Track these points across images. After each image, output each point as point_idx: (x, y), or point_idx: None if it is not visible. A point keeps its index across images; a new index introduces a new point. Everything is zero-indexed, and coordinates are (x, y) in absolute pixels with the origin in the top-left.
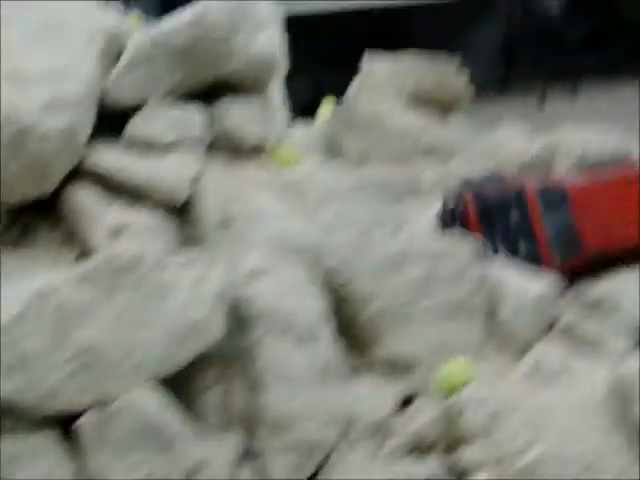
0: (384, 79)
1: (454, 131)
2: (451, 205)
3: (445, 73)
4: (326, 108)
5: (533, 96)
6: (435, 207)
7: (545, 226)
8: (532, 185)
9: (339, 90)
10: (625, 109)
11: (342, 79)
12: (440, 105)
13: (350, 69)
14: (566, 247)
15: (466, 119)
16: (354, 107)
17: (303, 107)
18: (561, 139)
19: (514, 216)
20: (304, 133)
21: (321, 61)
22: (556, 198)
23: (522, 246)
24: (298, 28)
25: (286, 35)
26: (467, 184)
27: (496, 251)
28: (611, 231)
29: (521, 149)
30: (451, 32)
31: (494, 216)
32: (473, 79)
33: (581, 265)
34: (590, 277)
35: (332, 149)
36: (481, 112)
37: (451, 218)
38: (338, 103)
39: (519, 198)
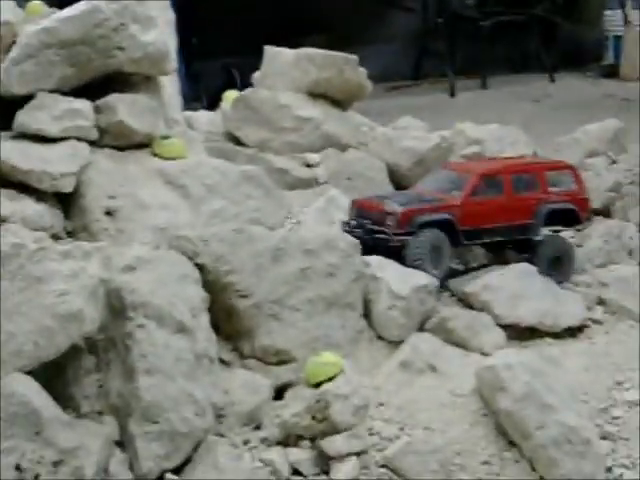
0: (286, 68)
1: (353, 123)
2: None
3: (346, 65)
4: (231, 95)
5: (444, 85)
6: (326, 198)
7: None
8: None
9: (249, 76)
10: (533, 99)
11: (252, 64)
12: (341, 96)
13: (260, 55)
14: None
15: (372, 109)
16: (255, 96)
17: (216, 91)
18: (459, 132)
19: None
20: (208, 120)
21: (232, 47)
22: None
23: None
24: (212, 13)
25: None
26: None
27: None
28: None
29: (416, 143)
30: (366, 21)
31: None
32: (386, 68)
33: None
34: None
35: (233, 138)
36: (392, 101)
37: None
38: (242, 90)
39: None
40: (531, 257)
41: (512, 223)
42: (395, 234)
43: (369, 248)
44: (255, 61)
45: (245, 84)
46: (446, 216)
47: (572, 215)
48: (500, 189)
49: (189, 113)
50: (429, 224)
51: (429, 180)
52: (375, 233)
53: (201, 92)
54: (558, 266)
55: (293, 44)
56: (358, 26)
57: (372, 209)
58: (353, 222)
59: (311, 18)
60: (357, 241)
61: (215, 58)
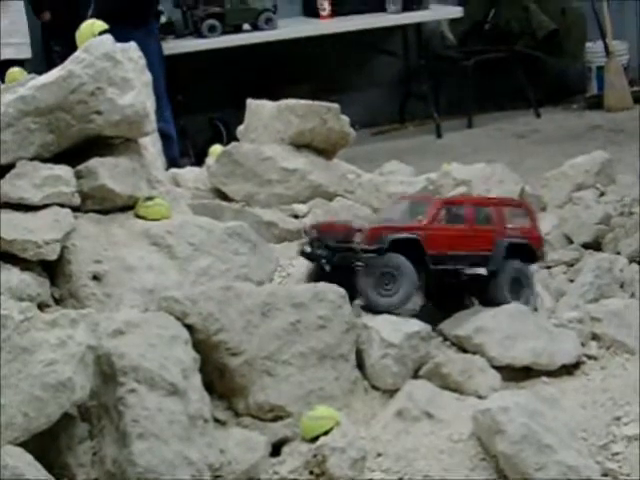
0: (269, 120)
1: (338, 171)
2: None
3: (328, 114)
4: (216, 150)
5: (430, 127)
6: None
7: None
8: None
9: (235, 129)
10: (519, 135)
11: (239, 117)
12: (325, 145)
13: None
14: None
15: (358, 155)
16: (239, 150)
17: (203, 147)
18: (446, 174)
19: None
20: (195, 177)
21: (218, 101)
22: None
23: None
24: (195, 68)
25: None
26: None
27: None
28: None
29: (402, 188)
30: (349, 67)
31: None
32: (371, 113)
33: None
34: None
35: (219, 193)
36: (378, 146)
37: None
38: (227, 144)
39: None
40: (489, 284)
41: (474, 252)
42: (363, 250)
43: (326, 276)
44: (241, 114)
45: (232, 138)
46: (414, 236)
47: (528, 249)
48: (462, 219)
49: (175, 171)
50: (396, 242)
51: (388, 211)
52: (340, 251)
53: (189, 148)
54: (518, 290)
55: (278, 95)
56: (342, 73)
57: (337, 229)
58: (314, 243)
59: (294, 68)
60: (345, 292)
61: (201, 113)
